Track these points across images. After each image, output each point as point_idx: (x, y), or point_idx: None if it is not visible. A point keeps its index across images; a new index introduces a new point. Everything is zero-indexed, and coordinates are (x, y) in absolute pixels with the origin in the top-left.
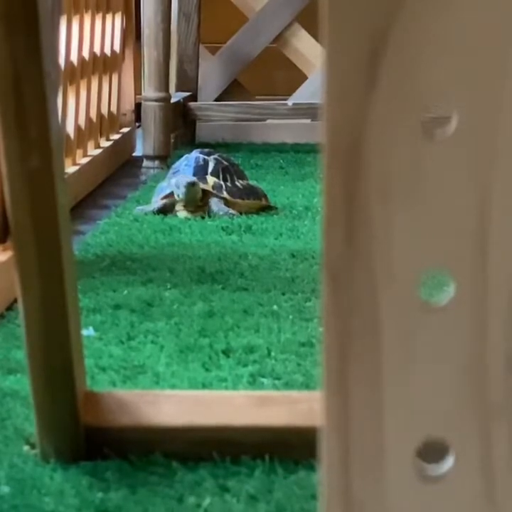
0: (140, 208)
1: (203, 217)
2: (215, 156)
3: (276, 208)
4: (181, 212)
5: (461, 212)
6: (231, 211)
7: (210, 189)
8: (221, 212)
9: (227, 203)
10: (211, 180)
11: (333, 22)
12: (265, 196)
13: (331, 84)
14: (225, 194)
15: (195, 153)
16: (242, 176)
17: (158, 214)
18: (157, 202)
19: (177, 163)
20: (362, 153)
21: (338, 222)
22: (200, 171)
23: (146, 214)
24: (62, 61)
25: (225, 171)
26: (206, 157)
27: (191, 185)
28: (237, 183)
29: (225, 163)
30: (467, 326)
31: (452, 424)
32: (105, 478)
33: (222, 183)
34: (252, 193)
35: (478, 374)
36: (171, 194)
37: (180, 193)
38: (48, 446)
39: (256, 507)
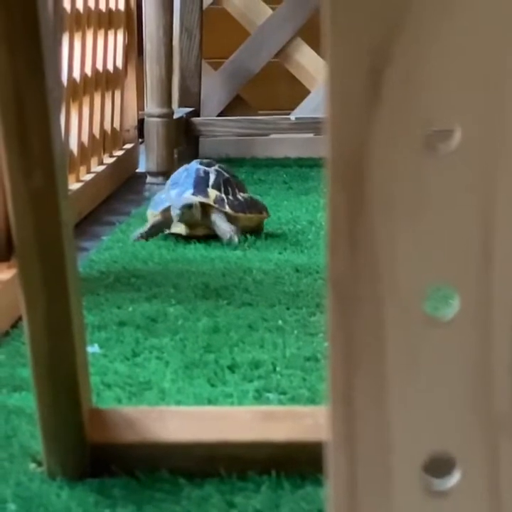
0: (135, 234)
1: (206, 237)
2: (216, 167)
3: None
4: (176, 228)
5: (465, 226)
6: (233, 232)
7: (212, 203)
8: (227, 235)
9: (229, 217)
10: (213, 193)
11: (336, 38)
12: (265, 209)
13: (334, 99)
14: (227, 208)
15: (195, 165)
16: (242, 188)
17: (152, 236)
18: (149, 223)
19: (176, 175)
20: (365, 167)
21: (343, 237)
22: (201, 183)
23: (141, 235)
24: (65, 78)
25: (227, 184)
26: (207, 168)
27: (188, 208)
28: (238, 196)
29: (226, 175)
30: (472, 340)
31: (459, 438)
32: (112, 495)
33: (223, 196)
34: (253, 206)
35: (484, 388)
36: (169, 208)
37: (175, 215)
38: (54, 464)
39: None
